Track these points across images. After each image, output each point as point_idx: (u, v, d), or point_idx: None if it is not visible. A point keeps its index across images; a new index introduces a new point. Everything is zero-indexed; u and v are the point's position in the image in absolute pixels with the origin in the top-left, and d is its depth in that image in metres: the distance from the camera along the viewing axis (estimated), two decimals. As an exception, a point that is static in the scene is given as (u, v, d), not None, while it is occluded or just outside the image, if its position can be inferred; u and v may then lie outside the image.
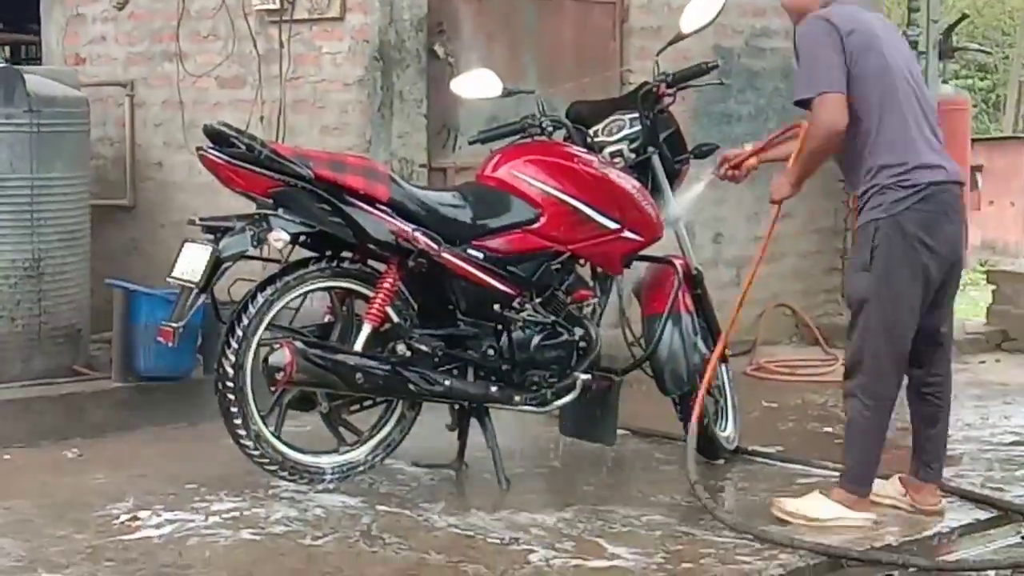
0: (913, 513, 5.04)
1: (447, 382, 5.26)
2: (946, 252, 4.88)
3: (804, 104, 4.91)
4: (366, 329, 5.18)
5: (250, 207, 5.19)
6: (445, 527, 4.84)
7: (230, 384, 5.03)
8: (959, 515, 5.11)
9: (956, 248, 4.96)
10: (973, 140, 9.35)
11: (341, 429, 5.34)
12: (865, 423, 4.91)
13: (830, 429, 6.48)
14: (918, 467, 5.10)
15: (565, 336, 5.45)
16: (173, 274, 5.06)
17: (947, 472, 5.81)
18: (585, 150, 5.62)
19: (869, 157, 4.86)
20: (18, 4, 9.24)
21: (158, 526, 4.82)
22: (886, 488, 5.12)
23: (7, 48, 11.53)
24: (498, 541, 4.72)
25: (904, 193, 4.80)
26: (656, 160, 5.69)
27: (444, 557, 4.55)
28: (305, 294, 5.19)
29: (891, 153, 4.83)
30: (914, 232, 4.79)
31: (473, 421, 5.45)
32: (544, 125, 5.69)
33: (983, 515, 5.14)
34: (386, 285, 5.20)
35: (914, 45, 8.50)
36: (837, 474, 5.56)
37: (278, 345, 5.03)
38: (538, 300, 5.45)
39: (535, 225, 5.43)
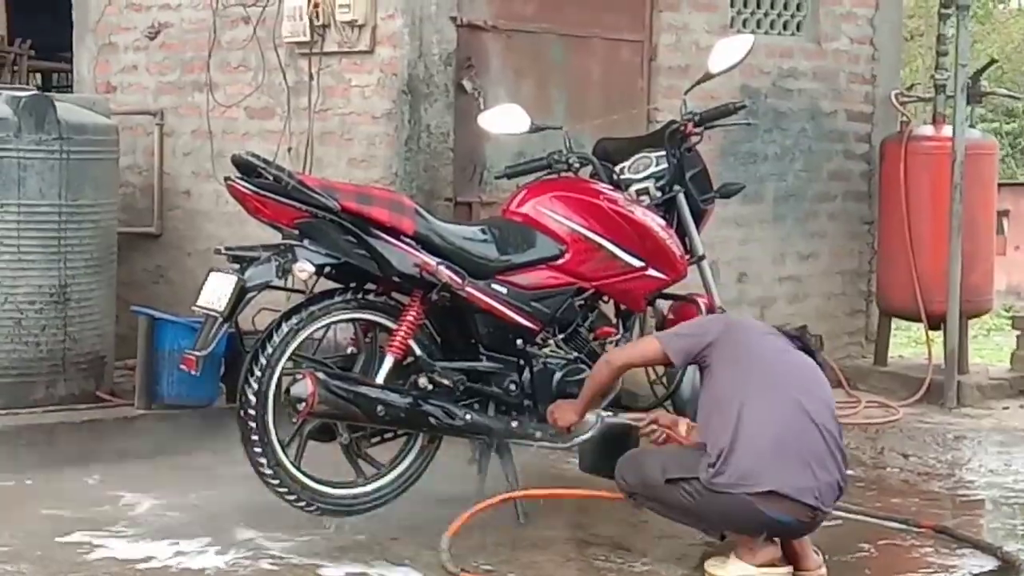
0: None
1: (468, 416, 5.26)
2: None
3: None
4: (388, 361, 5.18)
5: (276, 237, 5.21)
6: (464, 561, 4.82)
7: (252, 413, 5.03)
8: (981, 561, 5.08)
9: None
10: (999, 184, 9.31)
11: (361, 461, 5.33)
12: None
13: (851, 472, 6.44)
14: None
15: (587, 372, 5.44)
16: (198, 303, 5.08)
17: (969, 518, 5.80)
18: (611, 187, 5.64)
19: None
20: (50, 32, 9.34)
21: (177, 554, 4.82)
22: None
23: (39, 75, 11.64)
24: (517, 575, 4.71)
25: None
26: (682, 199, 5.71)
27: (462, 591, 4.54)
28: (329, 325, 5.20)
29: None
30: None
31: (493, 456, 5.44)
32: (571, 161, 5.71)
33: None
34: (409, 318, 5.21)
35: (942, 89, 8.50)
36: (852, 516, 5.53)
37: (300, 376, 5.04)
38: (561, 336, 5.45)
39: (559, 261, 5.44)
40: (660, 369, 5.68)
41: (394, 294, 5.30)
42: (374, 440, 5.36)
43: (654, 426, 5.09)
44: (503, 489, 5.35)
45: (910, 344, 10.03)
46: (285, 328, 5.07)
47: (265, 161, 5.16)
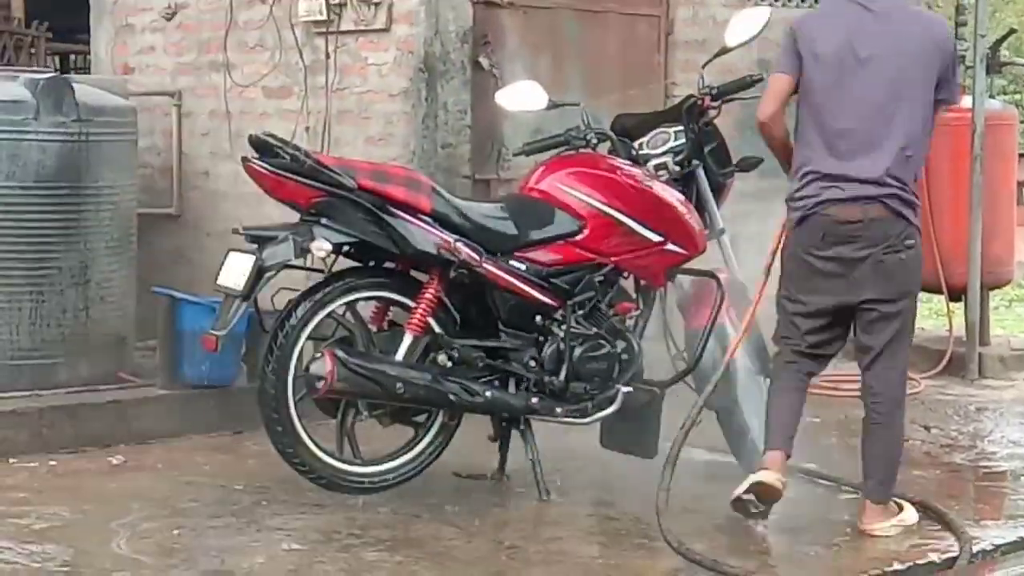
0: None
1: (488, 393, 5.27)
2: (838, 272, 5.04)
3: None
4: (407, 339, 5.19)
5: (294, 217, 5.22)
6: (486, 538, 4.84)
7: (272, 392, 5.05)
8: (1002, 532, 5.07)
9: (860, 275, 5.04)
10: (1020, 155, 9.26)
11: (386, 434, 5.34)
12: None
13: (873, 444, 6.43)
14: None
15: (607, 348, 5.44)
16: (217, 282, 5.10)
17: (993, 488, 5.79)
18: (629, 163, 5.63)
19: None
20: (69, 14, 9.35)
21: (200, 534, 4.85)
22: None
23: (57, 58, 11.67)
24: (539, 551, 4.72)
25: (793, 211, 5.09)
26: (700, 173, 5.70)
27: (484, 567, 4.55)
28: (347, 304, 5.21)
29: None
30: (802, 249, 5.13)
31: (514, 432, 5.45)
32: (589, 137, 5.69)
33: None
34: (428, 295, 5.21)
35: (961, 59, 8.45)
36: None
37: (320, 354, 5.05)
38: (580, 312, 5.45)
39: (578, 237, 5.43)
40: (681, 343, 5.68)
41: (412, 272, 5.30)
42: (395, 418, 5.37)
43: None
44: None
45: (931, 316, 10.00)
46: (304, 307, 5.09)
47: (282, 141, 5.17)
